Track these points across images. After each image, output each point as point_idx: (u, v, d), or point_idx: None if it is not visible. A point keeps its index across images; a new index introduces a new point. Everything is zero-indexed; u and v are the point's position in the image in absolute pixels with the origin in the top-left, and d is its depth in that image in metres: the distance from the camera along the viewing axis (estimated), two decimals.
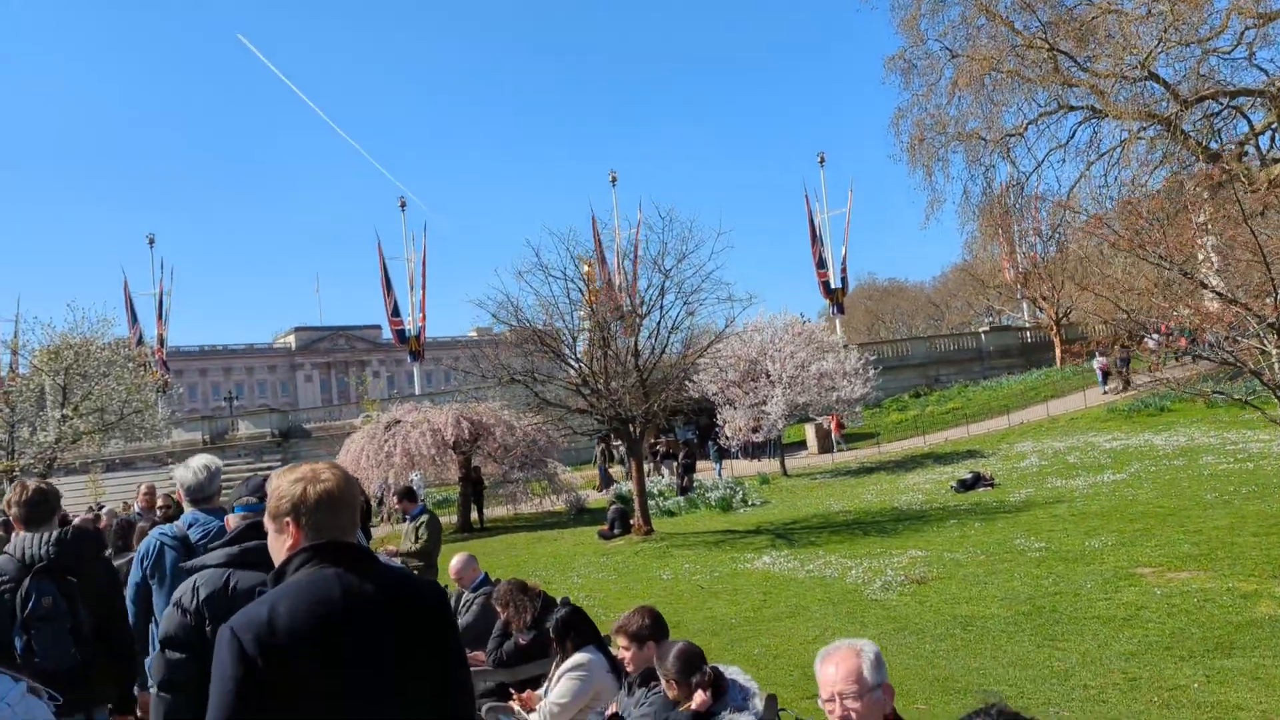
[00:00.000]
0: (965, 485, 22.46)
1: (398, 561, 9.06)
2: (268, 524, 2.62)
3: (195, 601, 3.28)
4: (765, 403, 30.10)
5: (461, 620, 7.17)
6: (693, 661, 4.30)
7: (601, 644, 5.45)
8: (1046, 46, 36.07)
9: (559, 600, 6.26)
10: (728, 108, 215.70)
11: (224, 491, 5.10)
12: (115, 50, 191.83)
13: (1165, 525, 14.37)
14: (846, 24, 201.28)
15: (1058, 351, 51.86)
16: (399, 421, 24.87)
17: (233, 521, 4.14)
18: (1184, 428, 28.16)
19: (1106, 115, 37.53)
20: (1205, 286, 16.11)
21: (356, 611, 2.40)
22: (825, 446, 38.26)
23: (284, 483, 2.57)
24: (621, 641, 4.79)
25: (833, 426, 37.86)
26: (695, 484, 27.38)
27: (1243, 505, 15.29)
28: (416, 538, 10.24)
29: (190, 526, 4.74)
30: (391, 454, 23.65)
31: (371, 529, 13.18)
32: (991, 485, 22.49)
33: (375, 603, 2.44)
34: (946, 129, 39.94)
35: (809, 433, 38.75)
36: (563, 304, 20.26)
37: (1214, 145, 37.58)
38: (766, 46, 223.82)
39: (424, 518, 10.38)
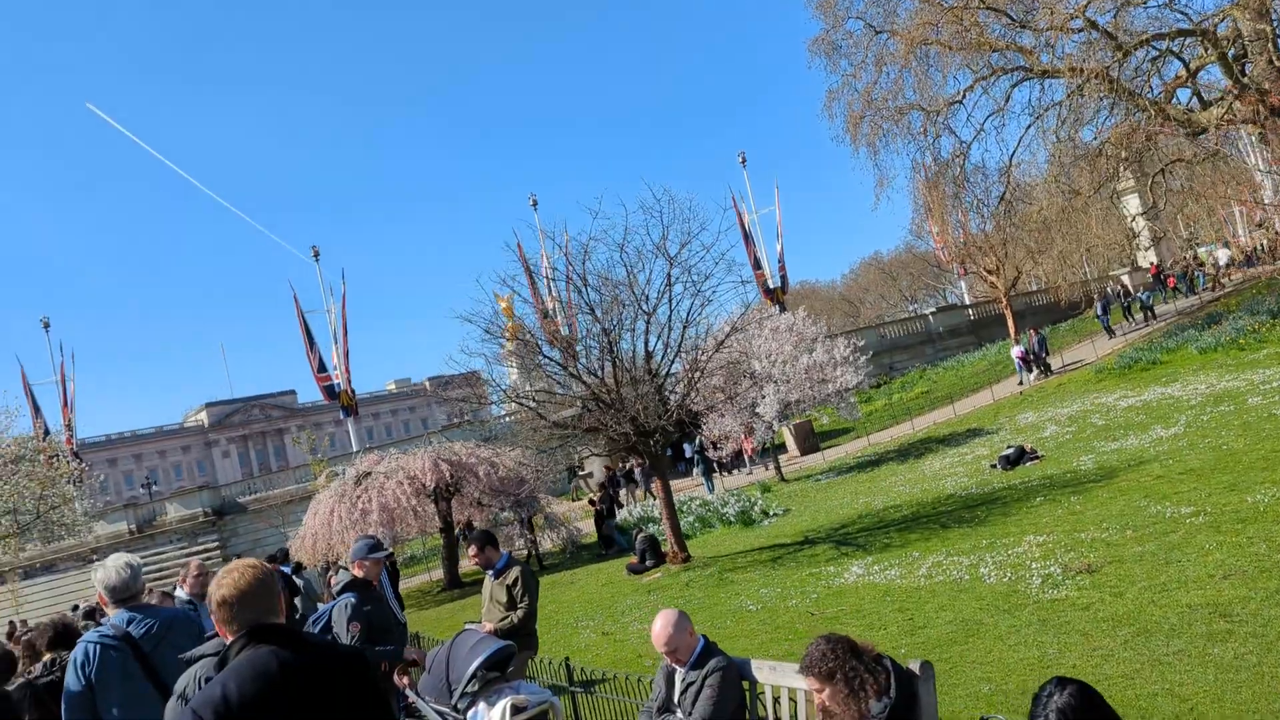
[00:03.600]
0: (1010, 461, 20.47)
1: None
2: None
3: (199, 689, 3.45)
4: (755, 405, 27.83)
5: (695, 715, 4.64)
6: None
7: None
8: (979, 6, 34.78)
9: (916, 666, 3.82)
10: (643, 118, 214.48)
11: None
12: None
13: None
14: (757, 17, 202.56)
15: (1010, 324, 50.98)
16: (369, 474, 21.94)
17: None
18: (1191, 377, 26.69)
19: (1042, 74, 36.53)
20: None
21: (291, 679, 2.81)
22: (808, 447, 36.20)
23: (210, 586, 3.11)
24: None
25: (745, 448, 35.39)
26: (616, 524, 24.62)
27: None
28: (510, 600, 7.61)
29: (130, 624, 4.64)
30: (368, 510, 20.73)
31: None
32: (1038, 458, 20.55)
33: (306, 670, 2.86)
34: (887, 104, 38.39)
35: (787, 435, 36.59)
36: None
37: (1154, 94, 36.91)
38: (672, 50, 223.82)
39: (514, 572, 7.73)
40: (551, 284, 50.88)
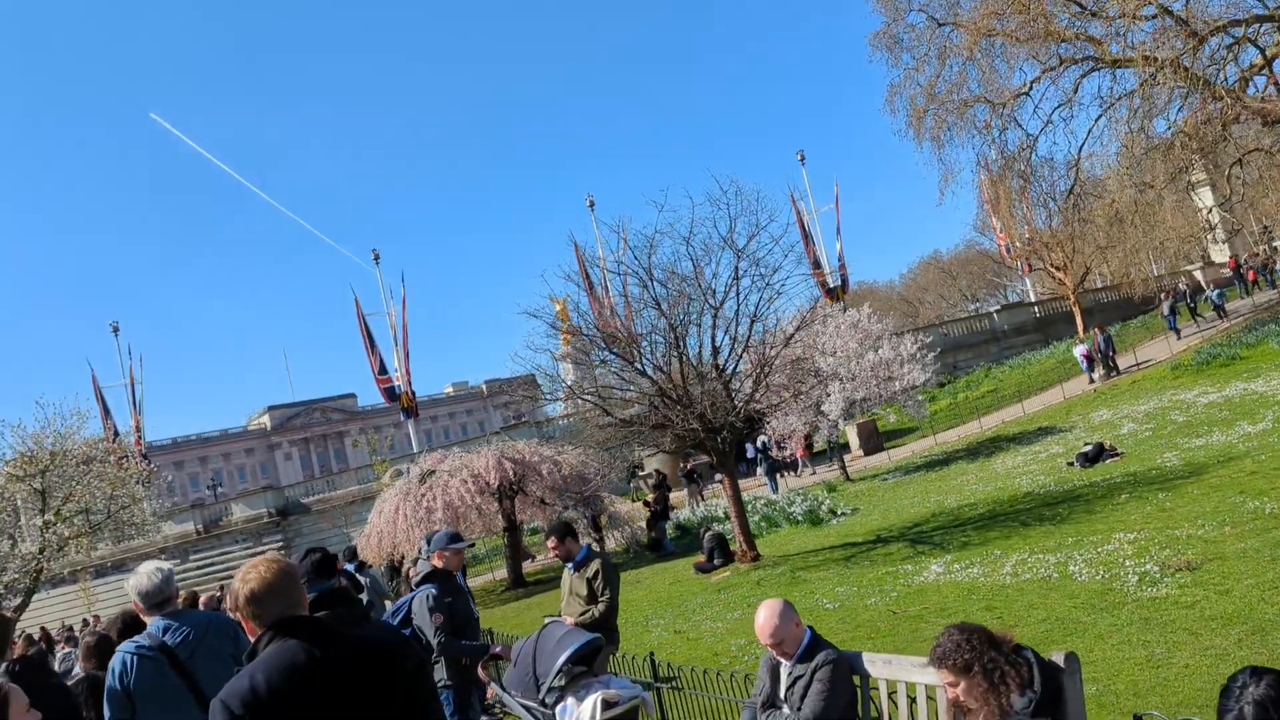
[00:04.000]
0: (1088, 458, 19.83)
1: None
2: None
3: None
4: (820, 404, 27.34)
5: (806, 710, 4.35)
6: None
7: None
8: None
9: (1060, 657, 3.50)
10: (699, 117, 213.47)
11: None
12: (37, 137, 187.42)
13: None
14: (812, 14, 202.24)
15: (1079, 321, 49.80)
16: (433, 472, 21.91)
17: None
18: (1274, 372, 25.69)
19: (1113, 64, 35.56)
20: None
21: (321, 671, 2.83)
22: (871, 446, 35.62)
23: (235, 582, 3.14)
24: None
25: (798, 450, 35.14)
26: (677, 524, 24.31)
27: None
28: (590, 594, 7.37)
29: (165, 632, 4.69)
30: (432, 509, 20.69)
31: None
32: (1118, 455, 19.89)
33: (334, 663, 2.86)
34: (951, 97, 37.65)
35: (851, 434, 36.03)
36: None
37: (1229, 83, 35.66)
38: (726, 47, 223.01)
39: (594, 565, 7.48)
40: (608, 282, 50.90)
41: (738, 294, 16.35)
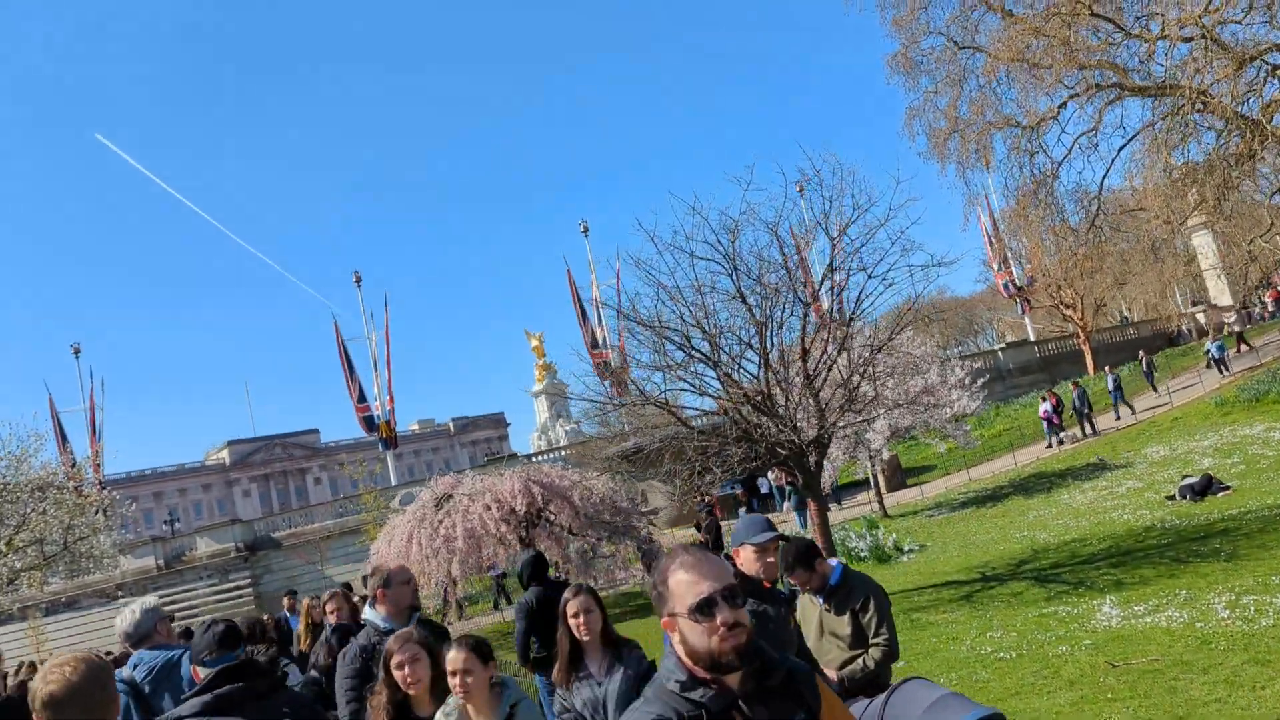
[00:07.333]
0: (1196, 491, 17.74)
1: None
2: None
3: None
4: (861, 431, 25.04)
5: None
6: None
7: None
8: (1088, 14, 32.43)
9: None
10: (698, 147, 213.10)
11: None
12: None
13: None
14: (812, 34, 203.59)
15: (1089, 360, 48.27)
16: (449, 496, 19.33)
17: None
18: None
19: (1139, 92, 34.20)
20: None
21: None
22: (895, 483, 33.42)
23: (34, 682, 2.79)
24: None
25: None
26: None
27: None
28: (857, 633, 4.95)
29: (135, 667, 4.65)
30: (450, 536, 18.10)
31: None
32: (1228, 489, 17.79)
33: None
34: (977, 119, 36.03)
35: (877, 468, 33.75)
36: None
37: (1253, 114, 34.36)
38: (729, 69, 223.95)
39: (861, 592, 5.03)
40: (601, 312, 48.49)
41: (832, 288, 14.10)
